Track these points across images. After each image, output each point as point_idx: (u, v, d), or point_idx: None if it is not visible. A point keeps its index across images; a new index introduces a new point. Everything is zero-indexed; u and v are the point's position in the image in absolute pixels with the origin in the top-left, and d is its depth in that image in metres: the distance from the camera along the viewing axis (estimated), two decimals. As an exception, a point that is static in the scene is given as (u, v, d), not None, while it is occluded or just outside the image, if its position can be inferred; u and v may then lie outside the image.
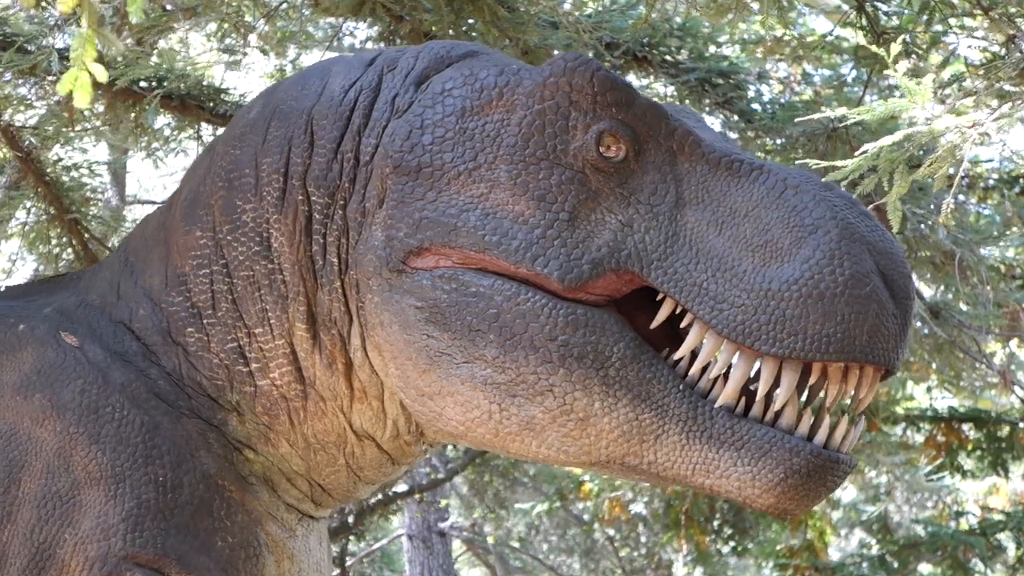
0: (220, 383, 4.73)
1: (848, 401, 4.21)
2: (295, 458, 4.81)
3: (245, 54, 8.58)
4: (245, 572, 4.67)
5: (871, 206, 3.93)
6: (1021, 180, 9.16)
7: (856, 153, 3.72)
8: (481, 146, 4.40)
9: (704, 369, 4.22)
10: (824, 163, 3.83)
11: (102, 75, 2.79)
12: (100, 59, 2.81)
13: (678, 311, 4.23)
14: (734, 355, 4.14)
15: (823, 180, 4.19)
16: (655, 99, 4.51)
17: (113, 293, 4.95)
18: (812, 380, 4.12)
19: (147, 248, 4.96)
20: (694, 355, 4.25)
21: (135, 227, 5.26)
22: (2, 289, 6.05)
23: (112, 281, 5.00)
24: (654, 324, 4.27)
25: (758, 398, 4.16)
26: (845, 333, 3.99)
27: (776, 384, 4.15)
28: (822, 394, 4.16)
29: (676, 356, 4.22)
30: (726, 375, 4.20)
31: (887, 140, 3.59)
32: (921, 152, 3.79)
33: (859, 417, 4.25)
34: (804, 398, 4.21)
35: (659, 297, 4.25)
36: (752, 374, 4.18)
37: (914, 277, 8.10)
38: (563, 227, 4.26)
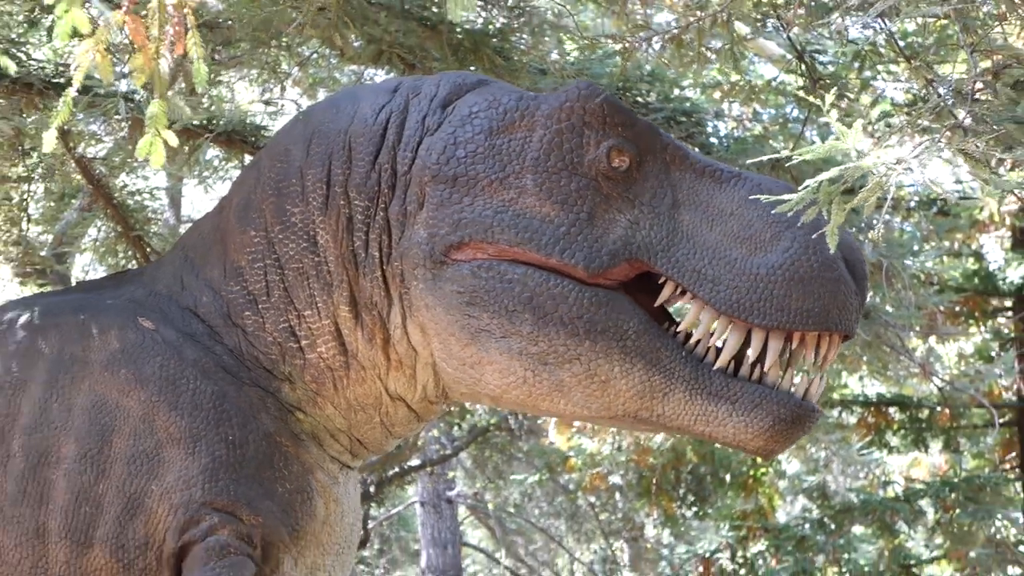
0: (274, 357, 4.90)
1: (814, 361, 4.53)
2: (338, 418, 4.99)
3: (281, 97, 8.57)
4: (301, 513, 4.84)
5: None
6: (937, 203, 9.18)
7: (799, 188, 3.80)
8: (508, 159, 4.67)
9: (700, 340, 4.57)
10: (772, 197, 3.93)
11: (173, 140, 2.80)
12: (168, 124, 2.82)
13: (677, 292, 4.59)
14: (727, 327, 4.48)
15: (785, 183, 4.40)
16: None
17: (177, 284, 5.09)
18: (794, 345, 4.46)
19: (205, 246, 5.10)
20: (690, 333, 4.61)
21: (188, 230, 5.43)
22: (73, 285, 6.11)
23: (175, 274, 5.12)
24: (656, 304, 4.66)
25: (748, 361, 4.50)
26: (821, 308, 4.37)
27: (763, 350, 4.48)
28: (801, 358, 4.50)
29: (678, 330, 4.59)
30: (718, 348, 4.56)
31: (825, 176, 3.65)
32: (854, 184, 3.82)
33: (824, 374, 4.61)
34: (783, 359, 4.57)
35: (660, 281, 4.59)
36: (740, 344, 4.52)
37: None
38: (584, 225, 4.57)
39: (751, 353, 4.48)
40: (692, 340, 4.57)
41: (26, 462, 4.71)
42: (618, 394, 4.57)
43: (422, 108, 4.86)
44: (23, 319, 5.04)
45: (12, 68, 6.89)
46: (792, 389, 4.53)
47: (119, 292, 5.15)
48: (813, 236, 4.29)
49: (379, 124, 4.87)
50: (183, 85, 6.63)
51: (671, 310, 4.85)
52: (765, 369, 4.49)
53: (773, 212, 4.32)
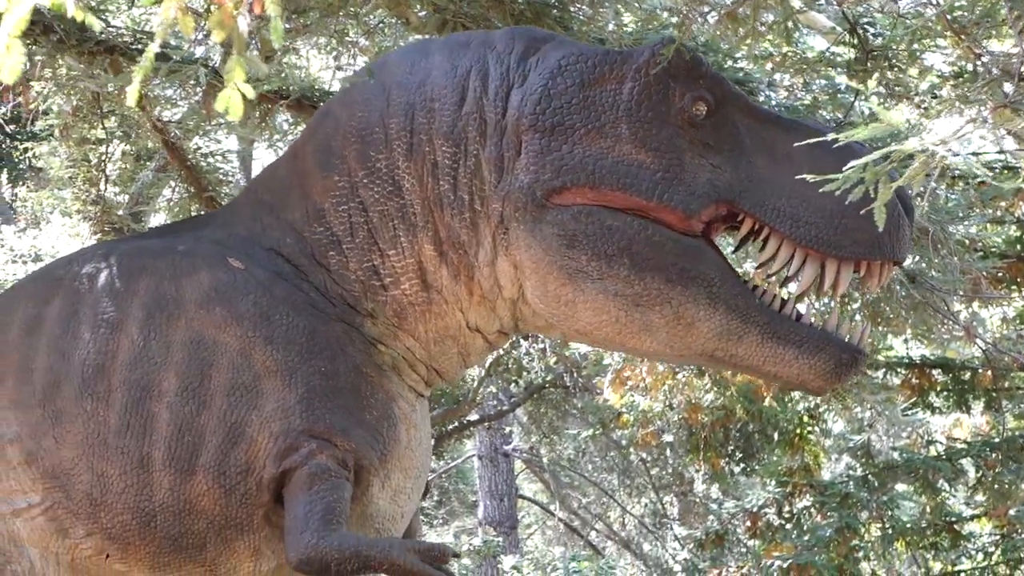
0: (357, 295, 5.07)
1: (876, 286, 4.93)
2: (418, 349, 5.17)
3: (352, 64, 8.59)
4: (388, 438, 4.99)
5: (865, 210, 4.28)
6: (975, 172, 9.11)
7: (844, 168, 3.88)
8: (602, 110, 4.88)
9: (766, 290, 4.93)
10: (819, 177, 4.03)
11: (251, 93, 2.83)
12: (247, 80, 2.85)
13: (755, 227, 4.89)
14: (803, 261, 4.81)
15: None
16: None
17: (258, 225, 5.23)
18: (861, 273, 4.81)
19: (283, 190, 5.25)
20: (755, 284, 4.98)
21: (257, 176, 5.57)
22: (147, 231, 6.21)
23: (254, 217, 5.28)
24: (738, 238, 5.01)
25: (823, 290, 4.87)
26: (890, 239, 4.72)
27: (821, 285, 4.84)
28: (858, 288, 4.86)
29: (759, 261, 4.94)
30: (783, 298, 4.92)
31: (870, 156, 3.69)
32: (899, 165, 3.86)
33: (866, 321, 5.02)
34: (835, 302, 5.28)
35: (739, 219, 4.91)
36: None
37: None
38: (677, 170, 4.81)
39: (826, 282, 4.81)
40: (760, 289, 4.91)
41: (128, 396, 4.83)
42: (699, 335, 4.85)
43: (503, 60, 5.05)
44: (111, 264, 5.15)
45: (98, 26, 6.95)
46: (853, 337, 4.89)
47: (199, 235, 5.28)
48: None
49: (460, 75, 5.04)
50: (260, 48, 6.68)
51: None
52: (840, 293, 4.85)
53: (838, 155, 4.52)
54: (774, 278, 5.00)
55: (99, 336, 4.89)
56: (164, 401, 4.79)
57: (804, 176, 4.57)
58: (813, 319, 4.93)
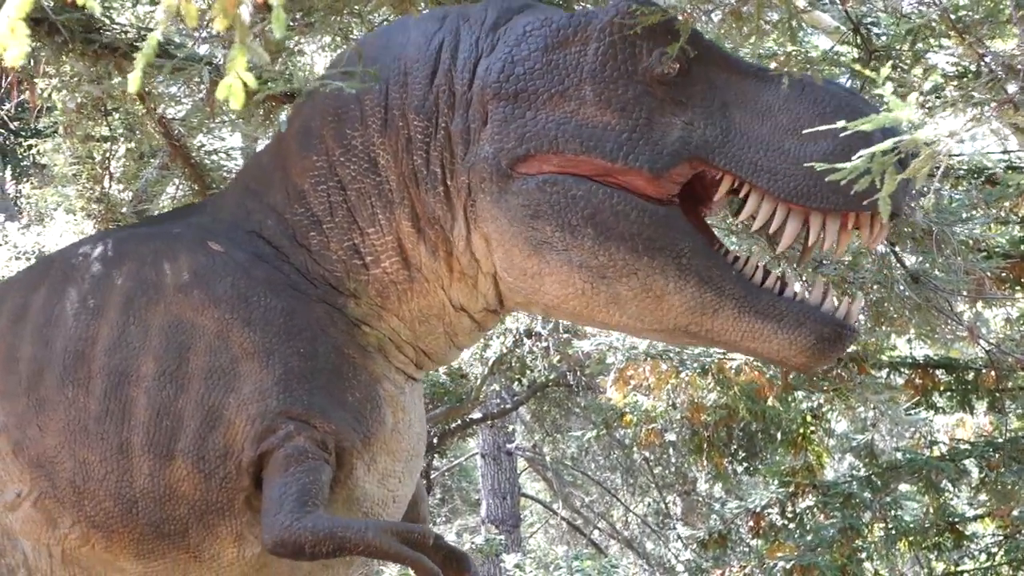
0: (339, 275, 5.00)
1: (869, 240, 4.59)
2: (403, 330, 5.08)
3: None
4: (372, 420, 4.92)
5: (865, 201, 4.13)
6: (984, 172, 9.13)
7: (853, 157, 3.81)
8: (566, 73, 4.70)
9: (749, 259, 4.68)
10: (826, 165, 3.95)
11: (252, 82, 2.82)
12: (249, 68, 2.84)
13: (735, 185, 4.62)
14: (786, 216, 4.54)
15: (827, 79, 4.45)
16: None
17: (242, 210, 5.17)
18: (849, 226, 4.50)
19: (265, 174, 5.19)
20: (735, 254, 4.72)
21: (246, 164, 5.55)
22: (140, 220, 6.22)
23: (239, 203, 5.22)
24: (716, 198, 4.73)
25: (809, 245, 4.61)
26: (873, 189, 4.16)
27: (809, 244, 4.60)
28: (856, 238, 4.67)
29: (740, 219, 4.74)
30: (766, 270, 4.68)
31: (879, 147, 3.65)
32: (907, 154, 3.82)
33: (858, 293, 4.75)
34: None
35: (717, 177, 4.64)
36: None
37: (896, 249, 8.07)
38: (644, 130, 4.61)
39: (811, 238, 4.55)
40: (741, 260, 4.68)
41: (107, 382, 4.80)
42: (671, 308, 4.64)
43: (474, 31, 4.92)
44: (98, 251, 5.15)
45: (98, 10, 6.95)
46: (838, 311, 4.61)
47: (186, 222, 5.25)
48: (860, 123, 4.19)
49: (432, 49, 4.94)
50: (263, 45, 6.68)
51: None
52: (826, 247, 4.57)
53: (820, 104, 4.43)
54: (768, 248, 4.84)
55: (80, 322, 4.89)
56: (142, 386, 4.75)
57: (807, 130, 4.42)
58: (799, 291, 4.67)
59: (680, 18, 4.64)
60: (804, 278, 4.65)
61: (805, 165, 4.40)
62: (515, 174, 4.72)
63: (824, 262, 8.03)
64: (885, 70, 3.74)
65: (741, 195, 4.63)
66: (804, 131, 4.41)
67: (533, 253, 4.71)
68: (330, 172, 5.00)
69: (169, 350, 4.79)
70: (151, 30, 7.26)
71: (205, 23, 5.85)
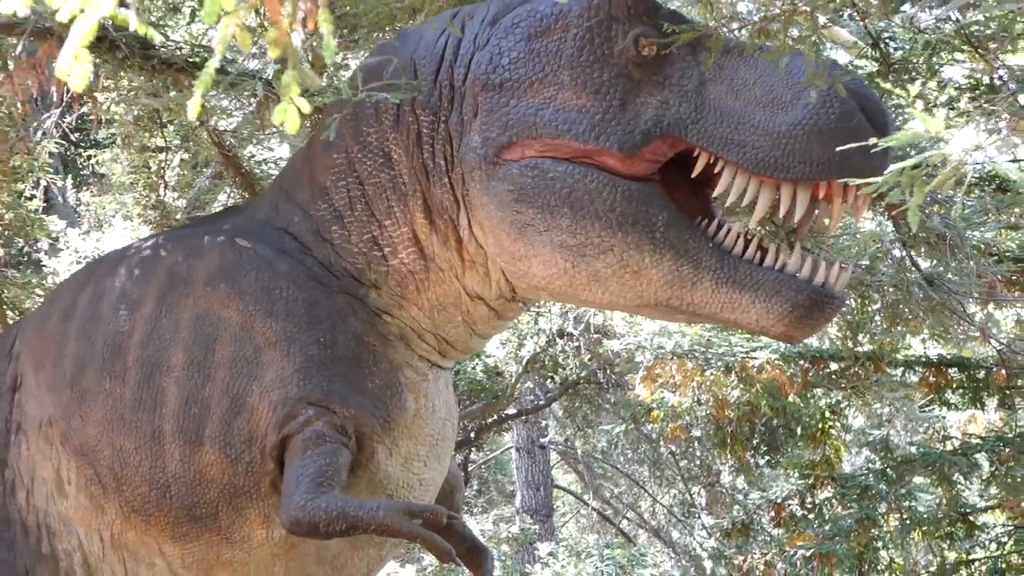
0: (360, 266, 4.99)
1: (848, 209, 4.38)
2: (423, 318, 5.05)
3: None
4: (392, 406, 4.91)
5: (895, 211, 4.05)
6: (996, 179, 9.09)
7: (885, 172, 3.73)
8: (547, 60, 4.62)
9: (729, 231, 4.50)
10: (859, 180, 3.84)
11: (306, 107, 2.85)
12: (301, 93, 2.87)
13: (711, 161, 4.45)
14: (758, 188, 4.34)
15: (802, 52, 4.32)
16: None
17: (274, 210, 5.20)
18: (821, 195, 4.30)
19: (296, 175, 5.20)
20: (721, 225, 4.55)
21: (284, 167, 5.52)
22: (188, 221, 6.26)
23: (272, 203, 5.24)
24: (693, 175, 4.50)
25: (781, 215, 4.35)
26: (843, 156, 4.10)
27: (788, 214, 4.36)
28: (827, 217, 4.38)
29: (714, 194, 4.48)
30: (747, 239, 4.51)
31: (909, 162, 3.60)
32: (934, 167, 3.78)
33: (847, 264, 4.57)
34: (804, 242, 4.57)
35: (695, 155, 4.47)
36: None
37: (912, 253, 8.04)
38: (617, 111, 4.48)
39: (781, 209, 4.33)
40: (722, 231, 4.50)
41: (141, 372, 4.85)
42: (650, 283, 4.50)
43: (474, 28, 4.88)
44: (138, 252, 5.21)
45: (158, 39, 6.97)
46: (815, 277, 4.39)
47: (226, 221, 5.30)
48: (831, 90, 4.15)
49: (439, 47, 4.92)
50: (312, 63, 6.70)
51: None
52: (797, 219, 4.35)
53: (795, 75, 4.26)
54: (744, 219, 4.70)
55: (119, 318, 4.95)
56: (173, 375, 4.80)
57: (772, 65, 4.30)
58: (779, 260, 4.45)
59: (709, 32, 4.57)
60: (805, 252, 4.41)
61: (773, 136, 4.24)
62: (500, 161, 4.66)
63: (843, 265, 7.99)
64: (914, 88, 3.71)
65: (716, 171, 4.45)
66: (775, 102, 4.28)
67: (519, 236, 4.65)
68: (349, 168, 5.01)
69: (197, 341, 4.83)
70: (205, 47, 7.29)
71: (257, 42, 5.86)
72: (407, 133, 4.90)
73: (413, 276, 4.99)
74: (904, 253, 7.99)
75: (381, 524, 4.43)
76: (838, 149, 4.09)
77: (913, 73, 6.14)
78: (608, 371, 17.13)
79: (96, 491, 4.93)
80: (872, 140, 3.84)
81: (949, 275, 8.08)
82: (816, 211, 4.41)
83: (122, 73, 7.59)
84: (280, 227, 5.12)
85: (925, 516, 13.69)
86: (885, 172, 3.67)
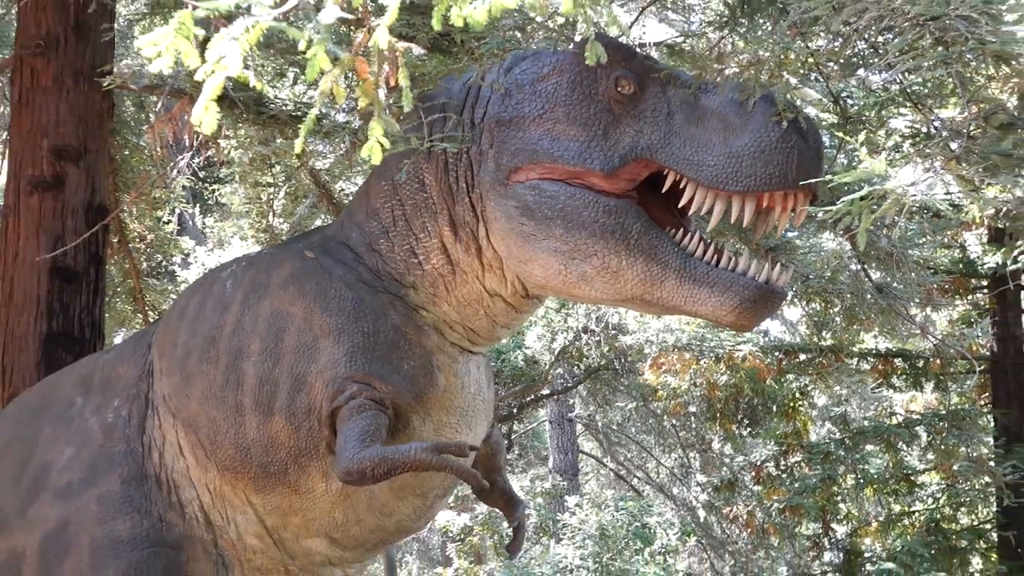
0: (401, 271, 4.94)
1: (790, 216, 4.29)
2: (452, 312, 4.98)
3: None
4: (424, 383, 4.84)
5: (848, 234, 4.01)
6: (931, 209, 9.06)
7: (839, 202, 3.73)
8: (545, 99, 4.57)
9: (692, 238, 4.41)
10: (819, 209, 3.85)
11: (388, 144, 2.87)
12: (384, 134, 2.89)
13: (677, 179, 4.37)
14: (714, 200, 4.27)
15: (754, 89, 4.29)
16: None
17: (340, 228, 5.17)
18: (764, 204, 4.21)
19: (359, 200, 5.17)
20: (687, 233, 4.46)
21: (354, 194, 5.50)
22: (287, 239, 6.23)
23: (340, 222, 5.22)
24: (663, 190, 4.43)
25: (732, 222, 4.30)
26: (782, 171, 4.10)
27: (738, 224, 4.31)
28: (774, 219, 4.28)
29: (680, 205, 4.39)
30: (707, 244, 4.42)
31: (857, 195, 3.59)
32: (877, 199, 3.76)
33: (790, 265, 4.44)
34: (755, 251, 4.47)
35: (664, 173, 4.40)
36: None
37: (865, 267, 8.01)
38: (600, 139, 4.44)
39: (732, 216, 4.28)
40: (687, 238, 4.42)
41: (228, 358, 4.86)
42: (627, 281, 4.44)
43: (492, 75, 4.84)
44: (235, 265, 5.24)
45: (270, 93, 7.00)
46: (759, 276, 4.32)
47: (306, 239, 5.29)
48: (772, 118, 4.11)
49: (463, 92, 4.88)
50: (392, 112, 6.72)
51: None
52: (746, 223, 4.30)
53: (743, 106, 4.21)
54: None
55: (215, 315, 4.98)
56: (251, 360, 4.80)
57: (729, 98, 4.24)
58: (732, 261, 4.38)
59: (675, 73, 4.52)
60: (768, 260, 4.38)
61: (725, 156, 4.20)
62: (510, 182, 4.62)
63: (810, 276, 7.97)
64: (861, 136, 3.70)
65: (681, 186, 4.39)
66: (728, 127, 4.23)
67: (524, 244, 4.60)
68: (393, 192, 4.96)
69: (270, 332, 4.83)
70: (306, 104, 7.32)
71: (348, 98, 5.88)
72: (436, 162, 4.87)
73: (443, 278, 4.94)
74: (859, 267, 7.94)
75: (415, 461, 4.43)
76: (776, 165, 4.10)
77: (866, 124, 6.12)
78: (623, 360, 17.12)
79: (200, 454, 4.98)
80: (817, 164, 4.04)
81: (895, 284, 8.03)
82: (768, 217, 4.33)
83: (239, 125, 7.62)
84: (342, 241, 5.11)
85: (875, 476, 13.64)
86: (827, 184, 3.69)
